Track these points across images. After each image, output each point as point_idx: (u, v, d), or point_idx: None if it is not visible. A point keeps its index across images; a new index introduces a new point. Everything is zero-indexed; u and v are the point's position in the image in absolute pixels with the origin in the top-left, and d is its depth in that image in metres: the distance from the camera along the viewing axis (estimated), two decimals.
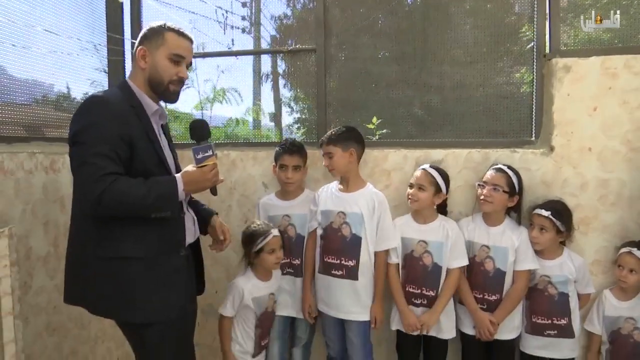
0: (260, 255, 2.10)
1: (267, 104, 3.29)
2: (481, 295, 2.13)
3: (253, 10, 3.62)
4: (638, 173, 2.22)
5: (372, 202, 2.16)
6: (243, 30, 4.14)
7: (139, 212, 1.50)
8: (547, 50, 2.35)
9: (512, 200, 2.12)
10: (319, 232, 2.24)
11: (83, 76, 2.68)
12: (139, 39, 1.67)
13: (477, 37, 2.50)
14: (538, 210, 2.09)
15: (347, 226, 2.16)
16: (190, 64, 1.72)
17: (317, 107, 2.65)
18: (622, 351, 2.06)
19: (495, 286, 2.10)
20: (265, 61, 3.87)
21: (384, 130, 2.60)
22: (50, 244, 2.15)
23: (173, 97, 1.69)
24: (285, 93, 3.11)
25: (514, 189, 2.10)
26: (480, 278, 2.13)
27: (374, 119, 2.52)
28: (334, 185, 2.30)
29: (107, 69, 2.84)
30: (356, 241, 2.14)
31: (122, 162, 1.50)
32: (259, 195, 2.57)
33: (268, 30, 3.33)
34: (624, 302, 2.08)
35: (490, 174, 2.14)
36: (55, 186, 2.18)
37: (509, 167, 2.15)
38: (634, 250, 2.05)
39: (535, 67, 2.41)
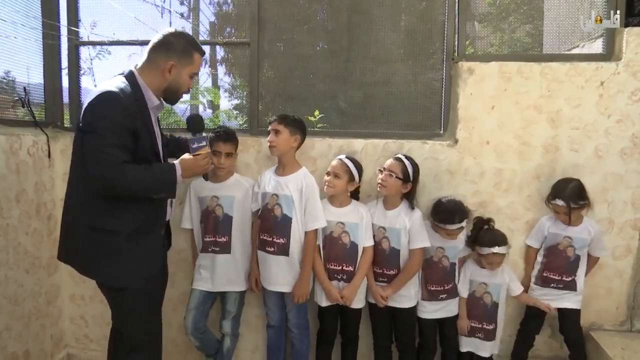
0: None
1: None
2: (381, 271, 2.40)
3: None
4: (526, 164, 2.58)
5: (301, 184, 2.35)
6: (182, 15, 4.20)
7: (144, 195, 1.78)
8: (455, 54, 2.66)
9: (405, 187, 2.37)
10: (259, 212, 2.45)
11: (19, 61, 2.70)
12: (165, 47, 1.82)
13: (397, 39, 2.76)
14: None
15: (279, 207, 2.35)
16: None
17: (250, 98, 2.82)
18: (475, 310, 2.46)
19: (392, 263, 2.38)
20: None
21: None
22: None
23: (176, 102, 1.98)
24: (228, 81, 3.26)
25: (408, 176, 2.35)
26: (380, 255, 2.40)
27: (316, 112, 2.69)
28: (273, 169, 2.50)
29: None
30: (286, 221, 2.34)
31: (129, 152, 1.72)
32: None
33: (207, 15, 3.42)
34: (483, 270, 2.45)
35: (389, 161, 2.39)
36: None
37: (407, 157, 2.39)
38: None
39: (445, 68, 2.70)
